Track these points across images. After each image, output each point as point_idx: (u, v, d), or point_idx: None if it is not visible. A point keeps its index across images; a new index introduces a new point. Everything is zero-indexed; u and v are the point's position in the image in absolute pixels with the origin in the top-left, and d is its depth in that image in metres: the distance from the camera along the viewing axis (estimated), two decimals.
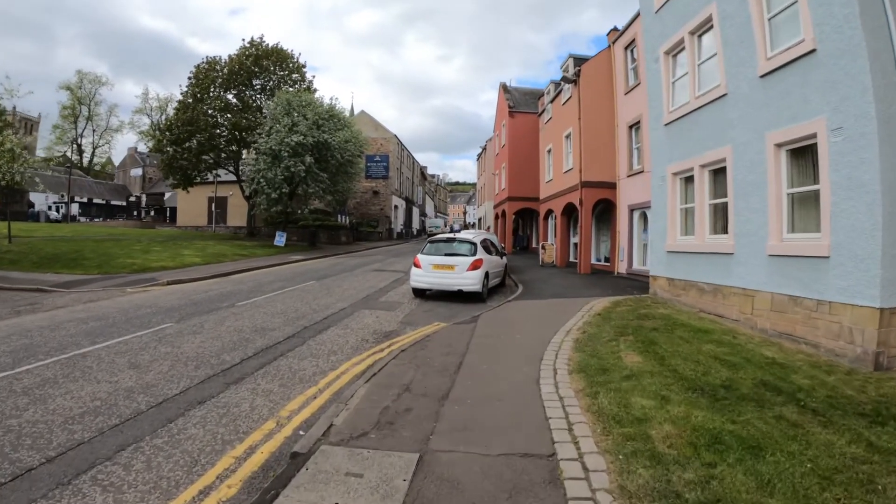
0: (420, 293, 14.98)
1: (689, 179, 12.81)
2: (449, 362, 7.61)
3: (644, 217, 18.60)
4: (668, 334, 8.72)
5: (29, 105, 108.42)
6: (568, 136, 23.45)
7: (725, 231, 11.29)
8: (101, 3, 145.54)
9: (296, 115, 32.77)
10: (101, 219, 66.27)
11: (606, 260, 22.44)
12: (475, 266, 14.01)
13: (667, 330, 9.03)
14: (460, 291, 14.06)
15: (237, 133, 38.42)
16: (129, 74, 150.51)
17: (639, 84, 18.85)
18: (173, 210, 58.52)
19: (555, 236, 26.97)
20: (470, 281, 13.92)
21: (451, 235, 15.49)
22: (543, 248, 25.07)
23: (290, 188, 33.26)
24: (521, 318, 11.18)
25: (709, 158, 11.64)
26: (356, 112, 61.51)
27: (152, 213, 72.90)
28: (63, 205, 63.89)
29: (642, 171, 18.20)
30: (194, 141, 36.97)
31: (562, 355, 7.79)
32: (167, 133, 37.69)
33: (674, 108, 13.27)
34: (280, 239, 34.96)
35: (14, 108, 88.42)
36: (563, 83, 23.72)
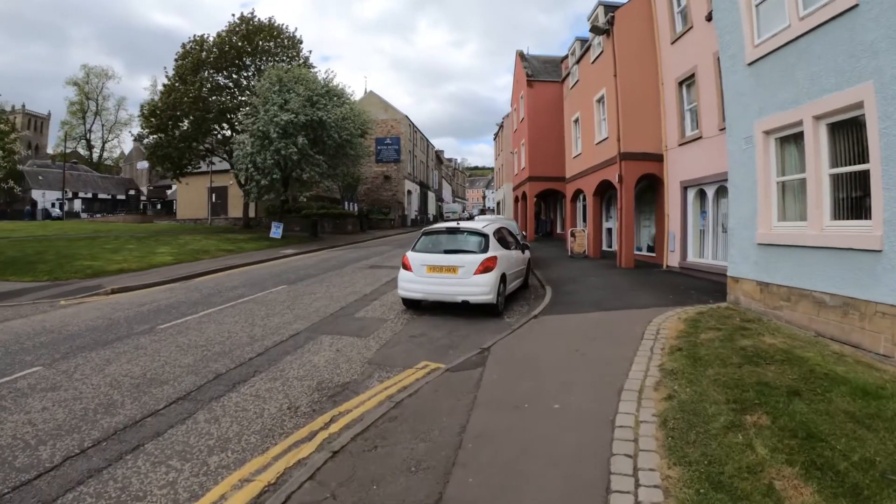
0: (413, 304, 11.21)
1: (790, 140, 8.81)
2: (415, 500, 3.79)
3: (701, 195, 14.57)
4: (823, 404, 4.81)
5: (40, 104, 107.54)
6: (600, 101, 19.32)
7: (862, 215, 7.35)
8: (112, 2, 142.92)
9: (291, 93, 29.18)
10: (101, 214, 63.66)
11: (650, 249, 18.39)
12: (486, 267, 10.16)
13: (813, 391, 5.12)
14: (465, 303, 10.26)
15: (228, 116, 35.00)
16: (143, 70, 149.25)
17: (690, 28, 14.75)
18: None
19: (585, 221, 22.92)
20: (479, 289, 10.08)
21: (454, 225, 11.61)
22: (573, 235, 20.99)
23: (283, 173, 29.76)
24: (556, 356, 7.24)
25: (830, 105, 7.63)
26: (368, 94, 57.50)
27: (158, 206, 70.23)
28: (66, 201, 62.00)
29: (699, 138, 14.14)
30: (181, 126, 34.05)
31: (647, 473, 3.88)
32: (152, 119, 34.41)
33: (761, 41, 9.23)
34: (276, 230, 31.51)
35: (23, 106, 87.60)
36: (592, 36, 19.55)
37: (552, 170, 28.38)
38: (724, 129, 12.70)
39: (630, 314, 9.52)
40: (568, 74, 24.76)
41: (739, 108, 9.74)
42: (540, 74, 31.70)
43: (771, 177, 9.05)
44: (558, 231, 32.95)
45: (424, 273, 10.40)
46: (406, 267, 10.72)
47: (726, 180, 12.77)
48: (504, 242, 11.60)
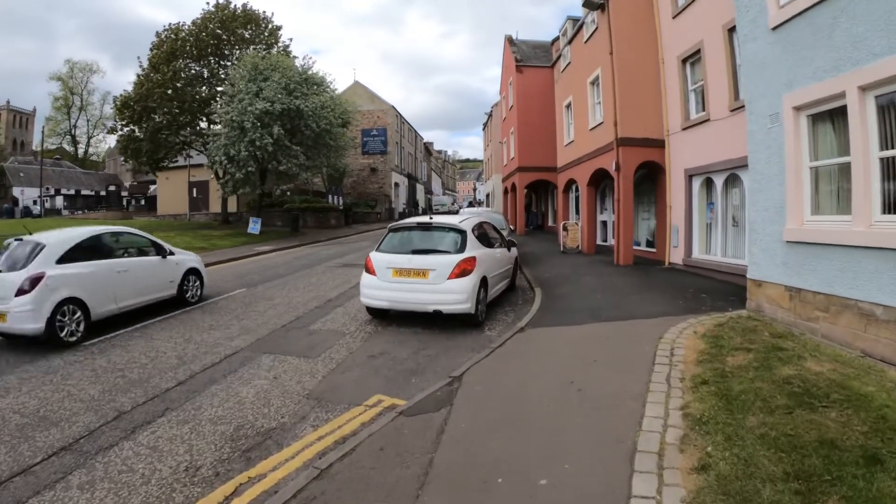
0: (379, 313, 9.61)
1: (825, 116, 7.32)
2: None
3: (708, 185, 13.07)
4: None
5: (26, 100, 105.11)
6: (594, 82, 17.74)
7: None
8: None
9: (267, 81, 27.68)
10: (83, 211, 61.78)
11: (650, 244, 16.88)
12: (463, 270, 8.58)
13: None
14: (438, 314, 8.71)
15: (204, 107, 33.42)
16: (130, 65, 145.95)
17: (693, 1, 13.20)
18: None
19: (578, 214, 21.41)
20: (454, 296, 8.49)
21: (426, 220, 9.73)
22: (565, 229, 19.40)
23: (260, 165, 28.22)
24: (544, 390, 5.66)
25: (882, 72, 6.12)
26: (353, 84, 55.57)
27: (142, 201, 68.45)
28: (48, 198, 60.27)
29: (706, 121, 12.61)
30: (155, 118, 32.64)
31: None
32: (125, 111, 33.02)
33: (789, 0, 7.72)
34: (254, 226, 29.99)
35: (8, 102, 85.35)
36: (585, 12, 17.94)
37: (543, 159, 26.78)
38: (736, 109, 11.23)
39: (635, 326, 8.00)
40: (559, 57, 23.12)
41: (762, 82, 8.21)
42: (529, 59, 30.05)
43: (803, 161, 7.54)
44: (550, 224, 31.40)
45: (389, 277, 8.81)
46: (369, 270, 9.14)
47: (739, 167, 11.30)
48: (485, 240, 10.05)
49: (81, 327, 8.53)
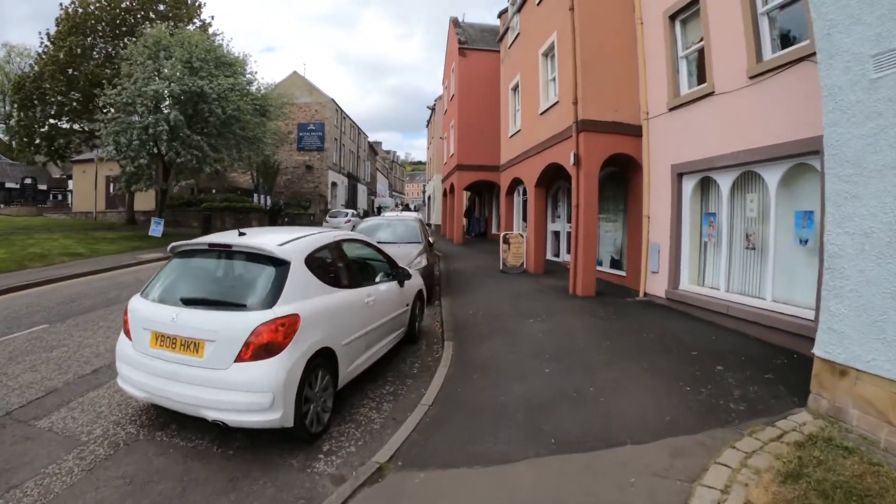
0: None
1: None
2: None
3: (704, 188, 9.32)
4: None
5: None
6: (548, 53, 13.75)
7: None
8: None
9: (170, 59, 23.48)
10: None
11: (615, 265, 12.98)
12: (266, 345, 4.30)
13: None
14: (220, 425, 4.34)
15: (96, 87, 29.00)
16: None
17: None
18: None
19: (525, 221, 17.49)
20: (246, 398, 4.20)
21: (226, 239, 5.07)
22: (506, 242, 15.27)
23: (159, 157, 24.11)
24: None
25: None
26: (291, 74, 50.72)
27: (68, 196, 62.41)
28: None
29: (710, 94, 8.75)
30: (51, 100, 28.83)
31: None
32: (17, 94, 29.33)
33: None
34: (156, 227, 25.42)
35: None
36: None
37: (487, 157, 22.73)
38: (759, 75, 7.44)
39: (618, 475, 3.88)
40: (506, 30, 19.02)
41: (851, 4, 4.36)
42: (475, 42, 26.07)
43: None
44: (494, 231, 27.38)
45: (147, 347, 4.61)
46: (125, 329, 4.95)
47: (761, 161, 7.47)
48: (344, 273, 5.82)
49: None
